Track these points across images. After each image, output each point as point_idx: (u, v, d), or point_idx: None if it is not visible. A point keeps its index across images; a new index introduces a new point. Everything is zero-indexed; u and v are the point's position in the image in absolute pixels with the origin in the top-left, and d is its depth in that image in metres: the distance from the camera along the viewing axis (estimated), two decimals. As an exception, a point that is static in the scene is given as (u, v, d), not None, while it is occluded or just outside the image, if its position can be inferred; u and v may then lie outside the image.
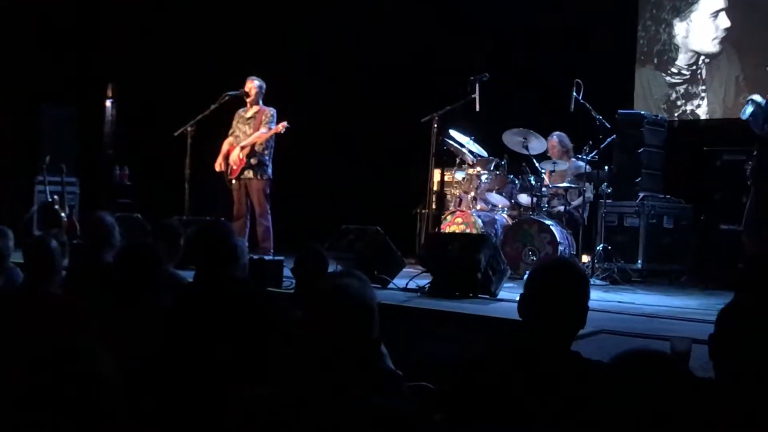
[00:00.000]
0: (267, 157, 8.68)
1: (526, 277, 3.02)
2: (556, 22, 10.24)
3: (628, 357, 2.01)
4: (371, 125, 10.77)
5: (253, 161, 8.63)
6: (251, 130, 8.66)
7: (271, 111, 8.69)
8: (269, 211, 8.67)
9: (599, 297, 6.66)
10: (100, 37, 11.31)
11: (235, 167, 8.65)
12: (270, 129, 8.58)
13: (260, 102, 8.75)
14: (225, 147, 8.72)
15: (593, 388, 2.00)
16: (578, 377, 2.48)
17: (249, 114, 8.78)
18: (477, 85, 8.68)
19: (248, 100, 8.74)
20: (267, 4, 11.31)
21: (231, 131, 8.78)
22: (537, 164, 8.83)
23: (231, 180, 8.69)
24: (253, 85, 8.73)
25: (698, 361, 3.52)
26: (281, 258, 7.33)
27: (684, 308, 6.66)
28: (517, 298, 2.78)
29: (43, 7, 11.12)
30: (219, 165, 8.73)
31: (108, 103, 11.53)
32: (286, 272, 6.80)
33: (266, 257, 7.77)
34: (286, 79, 9.20)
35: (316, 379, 2.30)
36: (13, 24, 10.95)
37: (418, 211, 9.53)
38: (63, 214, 9.51)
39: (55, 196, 9.76)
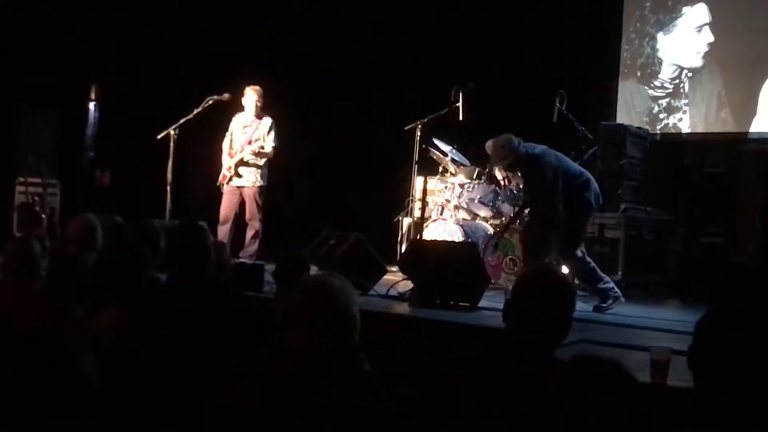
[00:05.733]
0: (259, 164, 8.69)
1: (513, 284, 3.03)
2: (541, 33, 10.29)
3: (581, 360, 2.05)
4: (354, 132, 10.77)
5: (241, 170, 8.67)
6: (245, 139, 8.68)
7: (268, 121, 8.71)
8: (260, 218, 8.70)
9: (579, 307, 6.60)
10: (84, 38, 11.24)
11: (227, 173, 8.70)
12: (265, 142, 8.62)
13: (258, 111, 8.77)
14: (225, 151, 8.76)
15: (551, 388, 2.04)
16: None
17: (246, 122, 8.79)
18: (461, 94, 8.70)
19: (247, 110, 8.77)
20: (253, 8, 11.29)
21: (228, 135, 8.81)
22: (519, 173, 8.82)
23: (222, 185, 8.73)
24: (250, 94, 8.74)
25: (678, 372, 3.55)
26: (261, 262, 7.32)
27: (663, 319, 6.69)
28: (498, 307, 2.79)
29: (27, 6, 11.05)
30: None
31: (91, 105, 11.46)
32: (267, 276, 6.79)
33: (247, 261, 7.77)
34: (269, 85, 9.17)
35: (293, 380, 2.29)
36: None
37: (400, 218, 9.52)
38: (43, 216, 9.46)
39: (36, 197, 9.71)
